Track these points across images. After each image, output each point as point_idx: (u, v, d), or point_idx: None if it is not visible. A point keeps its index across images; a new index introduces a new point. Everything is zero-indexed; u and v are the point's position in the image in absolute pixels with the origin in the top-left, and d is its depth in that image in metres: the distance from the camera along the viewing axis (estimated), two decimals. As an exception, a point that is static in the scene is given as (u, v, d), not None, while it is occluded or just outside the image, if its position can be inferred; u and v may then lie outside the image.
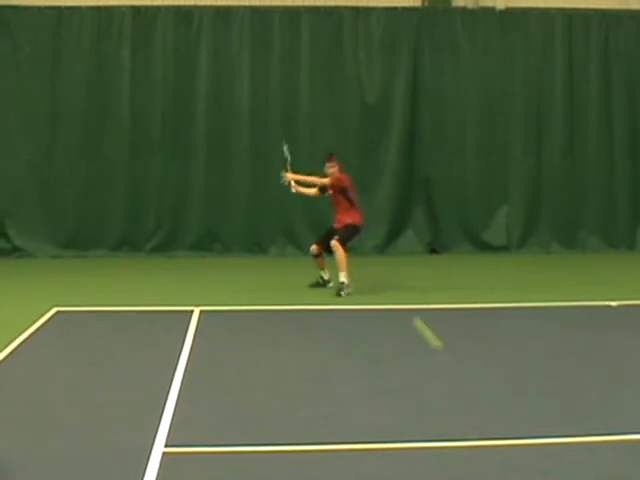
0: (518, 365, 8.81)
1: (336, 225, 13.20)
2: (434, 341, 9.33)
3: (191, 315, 11.05)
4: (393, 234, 17.39)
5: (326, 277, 13.38)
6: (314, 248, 13.29)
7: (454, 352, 9.29)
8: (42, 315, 10.98)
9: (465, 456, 6.29)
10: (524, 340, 9.93)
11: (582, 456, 6.25)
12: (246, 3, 17.17)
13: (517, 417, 7.13)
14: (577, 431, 6.71)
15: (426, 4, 17.58)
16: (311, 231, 17.09)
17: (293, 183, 13.33)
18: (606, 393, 7.81)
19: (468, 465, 6.08)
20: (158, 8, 16.96)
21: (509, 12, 17.44)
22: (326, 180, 13.11)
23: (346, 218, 13.09)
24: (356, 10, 17.21)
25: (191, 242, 17.06)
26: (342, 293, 12.66)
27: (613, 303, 11.84)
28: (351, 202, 13.11)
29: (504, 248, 17.44)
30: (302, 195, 13.70)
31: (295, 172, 13.42)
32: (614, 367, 8.77)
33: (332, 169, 13.10)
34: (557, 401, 7.56)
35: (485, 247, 17.43)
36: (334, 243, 12.84)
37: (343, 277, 12.77)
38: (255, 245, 17.15)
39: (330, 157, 13.25)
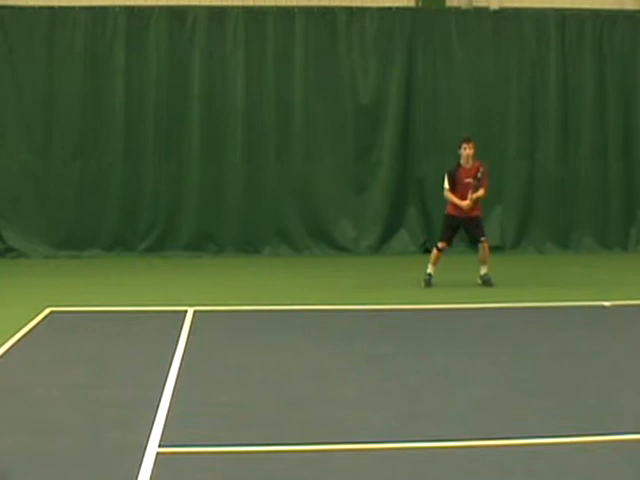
0: (516, 365, 8.82)
1: (467, 214, 13.22)
2: None
3: (185, 315, 11.03)
4: (387, 234, 17.37)
5: (432, 272, 13.46)
6: (445, 245, 13.43)
7: (453, 352, 9.30)
8: (36, 315, 10.95)
9: (464, 456, 6.29)
10: (521, 340, 9.93)
11: (577, 456, 6.25)
12: (240, 3, 17.15)
13: (515, 417, 7.13)
14: (573, 431, 6.71)
15: (420, 4, 17.57)
16: (305, 230, 17.11)
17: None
18: (604, 393, 7.82)
19: (467, 465, 6.08)
20: (152, 8, 16.93)
21: (503, 12, 17.43)
22: (482, 192, 13.20)
23: (477, 208, 13.39)
24: (350, 10, 17.20)
25: (185, 242, 17.04)
26: (492, 282, 13.34)
27: (607, 303, 11.85)
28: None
29: (498, 248, 17.42)
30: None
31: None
32: (611, 367, 8.78)
33: (470, 150, 13.20)
34: (555, 401, 7.56)
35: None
36: (485, 245, 13.32)
37: (485, 269, 13.45)
38: (249, 245, 17.13)
39: (470, 139, 13.43)
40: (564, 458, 6.21)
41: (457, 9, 17.50)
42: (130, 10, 16.86)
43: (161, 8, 16.94)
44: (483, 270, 13.54)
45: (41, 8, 16.73)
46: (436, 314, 11.54)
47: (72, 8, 16.77)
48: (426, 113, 17.34)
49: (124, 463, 6.05)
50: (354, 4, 17.28)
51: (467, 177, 13.19)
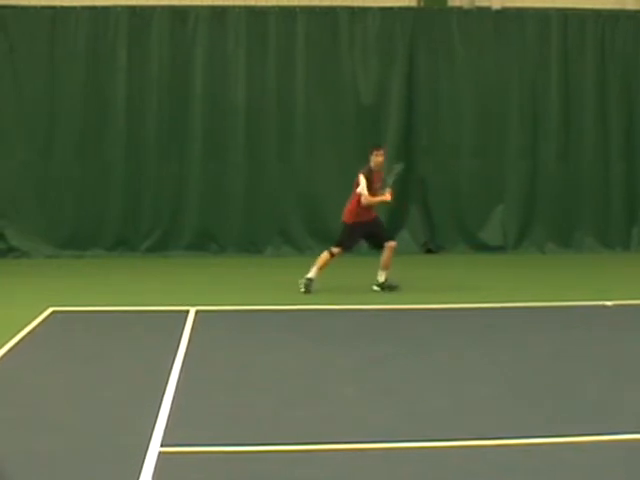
0: (516, 365, 8.83)
1: (370, 217, 13.25)
2: None
3: (187, 315, 11.05)
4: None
5: (314, 276, 13.08)
6: (341, 252, 13.13)
7: (453, 352, 9.31)
8: (38, 315, 10.97)
9: (464, 456, 6.30)
10: (522, 340, 9.94)
11: (577, 456, 6.26)
12: (241, 3, 17.16)
13: (515, 417, 7.15)
14: (573, 431, 6.72)
15: (422, 4, 17.57)
16: (307, 230, 17.12)
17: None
18: (604, 393, 7.82)
19: (467, 465, 6.09)
20: (154, 8, 16.93)
21: (505, 12, 17.42)
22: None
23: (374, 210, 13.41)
24: (352, 10, 17.20)
25: (187, 242, 17.05)
26: (395, 285, 13.05)
27: (609, 303, 11.86)
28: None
29: (500, 248, 17.43)
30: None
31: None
32: (613, 367, 8.78)
33: (382, 157, 13.23)
34: (554, 401, 7.57)
35: (481, 247, 17.41)
36: (393, 246, 13.32)
37: (385, 275, 13.09)
38: (251, 245, 17.14)
39: (381, 146, 13.56)
40: (564, 458, 6.22)
41: (459, 9, 17.49)
42: (132, 10, 16.87)
43: (163, 8, 16.95)
44: (383, 276, 13.11)
45: (43, 8, 16.74)
46: (436, 314, 11.55)
47: (74, 8, 16.78)
48: (428, 113, 17.34)
49: (126, 462, 6.07)
50: (356, 4, 17.28)
51: (377, 182, 13.16)
